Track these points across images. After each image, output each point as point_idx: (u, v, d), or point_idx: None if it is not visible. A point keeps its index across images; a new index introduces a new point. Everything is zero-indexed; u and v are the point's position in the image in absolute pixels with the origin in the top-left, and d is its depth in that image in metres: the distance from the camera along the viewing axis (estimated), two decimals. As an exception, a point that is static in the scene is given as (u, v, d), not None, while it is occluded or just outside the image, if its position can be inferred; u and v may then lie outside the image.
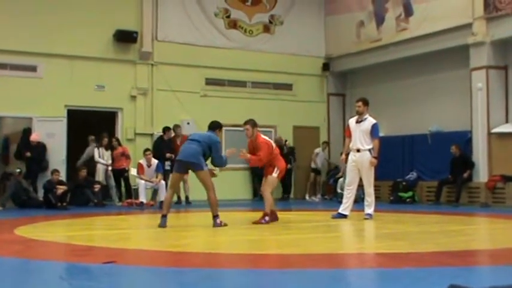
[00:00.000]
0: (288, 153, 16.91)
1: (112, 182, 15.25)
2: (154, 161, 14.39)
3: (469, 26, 14.65)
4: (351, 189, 10.38)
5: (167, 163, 14.87)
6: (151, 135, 16.44)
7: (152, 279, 5.07)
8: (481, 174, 14.54)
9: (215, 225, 8.91)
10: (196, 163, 8.95)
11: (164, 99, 16.73)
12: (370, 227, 9.38)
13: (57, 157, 15.18)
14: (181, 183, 13.44)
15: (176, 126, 15.71)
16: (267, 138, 9.87)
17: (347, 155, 10.43)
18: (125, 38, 16.20)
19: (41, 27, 15.37)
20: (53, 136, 15.23)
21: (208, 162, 9.27)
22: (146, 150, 14.51)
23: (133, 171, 14.92)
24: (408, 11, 16.31)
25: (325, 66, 18.96)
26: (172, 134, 15.49)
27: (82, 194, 14.27)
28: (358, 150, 10.18)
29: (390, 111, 16.89)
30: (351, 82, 19.26)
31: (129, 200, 14.77)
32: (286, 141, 17.55)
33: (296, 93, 18.69)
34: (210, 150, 9.05)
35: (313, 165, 18.11)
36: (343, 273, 5.35)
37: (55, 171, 13.88)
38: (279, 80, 18.44)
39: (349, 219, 10.16)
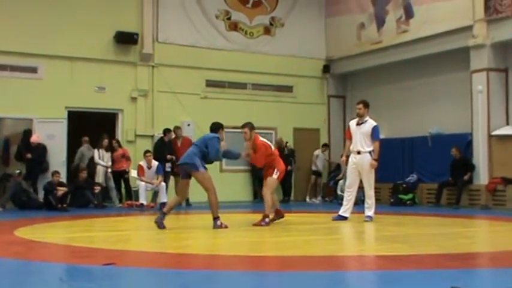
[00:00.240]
0: (288, 155, 16.91)
1: (112, 184, 15.25)
2: (155, 163, 14.38)
3: (469, 28, 14.65)
4: (351, 192, 10.39)
5: (167, 165, 14.87)
6: (152, 136, 16.44)
7: (152, 281, 5.07)
8: (482, 177, 14.52)
9: (215, 227, 8.91)
10: (190, 163, 8.99)
11: (165, 101, 16.73)
12: (370, 229, 9.39)
13: (58, 158, 15.18)
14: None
15: (177, 128, 15.71)
16: (265, 140, 9.91)
17: (347, 157, 10.45)
18: (126, 39, 16.20)
19: (42, 28, 15.37)
20: (53, 137, 15.22)
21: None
22: (146, 151, 14.52)
23: (133, 173, 14.91)
24: (409, 13, 16.31)
25: (326, 68, 18.96)
26: (173, 136, 15.49)
27: (82, 196, 14.27)
28: (359, 153, 10.19)
29: (390, 114, 16.89)
30: (351, 84, 19.26)
31: (129, 202, 14.75)
32: (286, 143, 17.54)
33: (296, 95, 18.69)
34: (207, 148, 9.09)
35: (313, 168, 18.11)
36: (343, 275, 5.35)
37: (55, 173, 13.88)
38: (280, 82, 18.44)
39: (350, 222, 10.16)
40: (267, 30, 18.47)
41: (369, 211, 10.24)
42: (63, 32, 15.58)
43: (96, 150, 15.27)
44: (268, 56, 18.18)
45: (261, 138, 9.86)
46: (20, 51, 15.15)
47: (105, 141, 15.27)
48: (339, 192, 15.92)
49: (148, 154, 14.37)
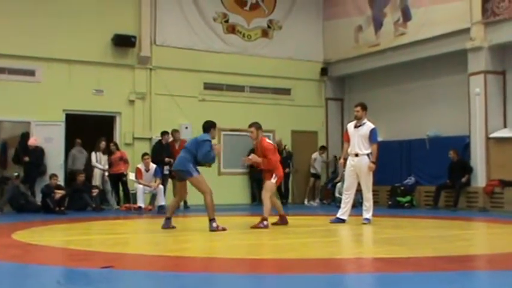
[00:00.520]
0: (286, 158, 16.91)
1: (108, 187, 15.24)
2: (153, 166, 14.37)
3: (467, 31, 14.68)
4: (349, 194, 10.39)
5: (166, 167, 14.85)
6: (150, 139, 16.43)
7: (150, 284, 5.07)
8: (479, 179, 14.54)
9: (211, 229, 8.93)
10: (184, 170, 9.09)
11: (163, 104, 16.74)
12: (368, 232, 9.38)
13: (55, 161, 15.17)
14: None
15: (174, 131, 15.70)
16: (270, 141, 10.03)
17: (345, 159, 10.45)
18: (123, 42, 16.21)
19: (40, 31, 15.37)
20: (51, 140, 15.21)
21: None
22: (144, 154, 14.50)
23: (131, 176, 14.90)
24: (406, 16, 16.34)
25: (324, 71, 18.98)
26: (171, 139, 15.47)
27: (80, 199, 14.25)
28: (357, 155, 10.20)
29: (388, 116, 16.91)
30: (349, 87, 19.28)
31: (127, 205, 14.75)
32: (285, 146, 17.55)
33: (294, 97, 18.70)
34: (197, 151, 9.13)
35: (312, 171, 18.11)
36: (341, 278, 5.35)
37: (53, 176, 13.87)
38: (277, 85, 18.45)
39: (348, 224, 10.17)
40: (265, 33, 18.48)
41: (367, 213, 10.25)
42: (61, 35, 15.58)
43: (93, 153, 15.26)
44: (266, 59, 18.19)
45: (268, 140, 10.00)
46: (17, 54, 15.15)
47: (103, 144, 15.27)
48: (337, 195, 15.93)
49: (146, 157, 14.36)
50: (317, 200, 18.07)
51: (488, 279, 5.36)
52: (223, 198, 14.62)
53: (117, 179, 15.21)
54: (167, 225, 9.20)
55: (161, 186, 14.17)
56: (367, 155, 10.16)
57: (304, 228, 10.19)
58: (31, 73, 15.44)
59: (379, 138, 10.97)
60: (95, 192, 14.45)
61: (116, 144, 15.57)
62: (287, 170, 16.47)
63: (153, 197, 14.51)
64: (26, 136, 15.14)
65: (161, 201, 13.99)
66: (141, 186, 14.11)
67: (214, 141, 9.46)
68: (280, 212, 10.10)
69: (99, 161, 15.24)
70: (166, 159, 14.89)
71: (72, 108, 15.75)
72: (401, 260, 6.19)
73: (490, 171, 14.46)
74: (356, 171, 10.24)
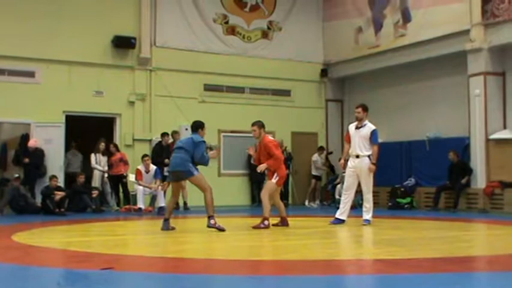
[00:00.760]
0: (286, 159, 16.88)
1: (108, 188, 15.24)
2: (153, 167, 14.38)
3: (467, 32, 14.69)
4: (348, 194, 10.39)
5: (166, 169, 14.83)
6: (150, 141, 16.42)
7: (150, 286, 5.07)
8: (479, 181, 14.54)
9: (209, 225, 8.95)
10: (185, 171, 9.11)
11: (162, 105, 16.73)
12: (368, 233, 9.38)
13: (55, 163, 15.15)
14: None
15: (174, 132, 15.68)
16: (272, 138, 10.06)
17: (346, 160, 10.46)
18: (123, 43, 16.21)
19: (40, 32, 15.36)
20: (51, 142, 15.20)
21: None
22: (144, 156, 14.51)
23: (131, 177, 14.90)
24: (406, 17, 16.35)
25: (324, 72, 18.98)
26: (171, 140, 15.46)
27: (80, 200, 14.24)
28: (358, 156, 10.20)
29: (388, 118, 16.90)
30: (349, 88, 19.28)
31: (127, 206, 14.75)
32: (286, 147, 17.55)
33: (294, 99, 18.70)
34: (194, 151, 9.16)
35: (313, 172, 18.10)
36: (341, 279, 5.35)
37: (53, 177, 13.86)
38: (277, 86, 18.44)
39: (348, 225, 10.16)
40: (265, 34, 18.48)
41: (367, 215, 10.25)
42: (61, 37, 15.58)
43: (92, 155, 15.26)
44: (266, 60, 18.19)
45: (270, 137, 10.02)
46: (17, 56, 15.15)
47: (102, 145, 15.27)
48: (337, 197, 15.92)
49: (146, 158, 14.37)
50: (317, 202, 18.06)
51: (489, 281, 5.35)
52: (223, 199, 14.61)
53: (117, 181, 15.21)
54: (166, 227, 9.20)
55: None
56: (368, 156, 10.16)
57: (305, 229, 10.19)
58: (31, 74, 15.44)
59: (380, 140, 10.96)
60: (95, 193, 14.45)
61: (116, 146, 15.57)
62: (287, 171, 16.44)
63: (153, 198, 14.52)
64: (26, 138, 15.15)
65: (161, 202, 14.00)
66: (141, 187, 14.12)
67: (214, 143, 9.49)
68: (282, 214, 10.09)
69: (99, 162, 15.23)
70: (166, 161, 14.86)
71: (72, 109, 15.75)
72: (402, 261, 6.19)
73: (490, 172, 14.45)
74: (357, 172, 10.24)
